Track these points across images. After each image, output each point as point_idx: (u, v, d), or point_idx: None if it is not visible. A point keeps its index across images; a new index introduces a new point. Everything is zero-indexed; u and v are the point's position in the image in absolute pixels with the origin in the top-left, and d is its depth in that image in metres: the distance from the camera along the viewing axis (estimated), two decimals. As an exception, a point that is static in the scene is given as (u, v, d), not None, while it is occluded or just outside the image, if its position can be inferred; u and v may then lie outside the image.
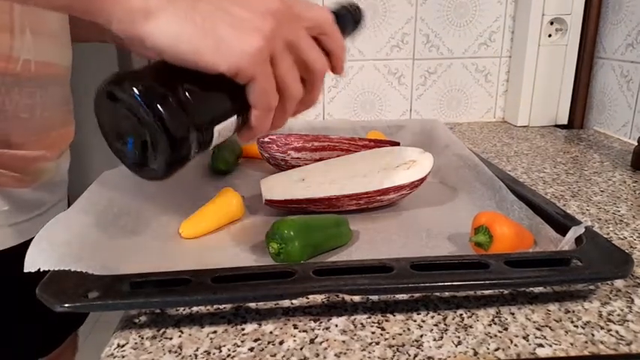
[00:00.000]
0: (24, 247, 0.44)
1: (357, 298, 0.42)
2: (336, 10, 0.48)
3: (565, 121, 1.09)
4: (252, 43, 0.35)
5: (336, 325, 0.39)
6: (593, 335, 0.38)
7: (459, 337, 0.37)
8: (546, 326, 0.39)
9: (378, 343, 0.37)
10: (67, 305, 0.36)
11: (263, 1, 0.36)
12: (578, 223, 0.47)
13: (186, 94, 0.35)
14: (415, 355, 0.36)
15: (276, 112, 0.40)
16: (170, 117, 0.34)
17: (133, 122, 0.35)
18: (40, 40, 0.53)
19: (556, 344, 0.37)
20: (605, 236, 0.51)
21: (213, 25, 0.35)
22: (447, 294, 0.43)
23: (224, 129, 0.38)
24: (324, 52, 0.42)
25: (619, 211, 0.62)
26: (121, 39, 0.67)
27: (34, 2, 0.38)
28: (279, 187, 0.59)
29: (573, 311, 0.40)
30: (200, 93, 0.36)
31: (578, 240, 0.46)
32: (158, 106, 0.33)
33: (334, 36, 0.42)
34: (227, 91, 0.38)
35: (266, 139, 0.72)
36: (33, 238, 0.57)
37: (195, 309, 0.41)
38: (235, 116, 0.39)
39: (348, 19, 0.50)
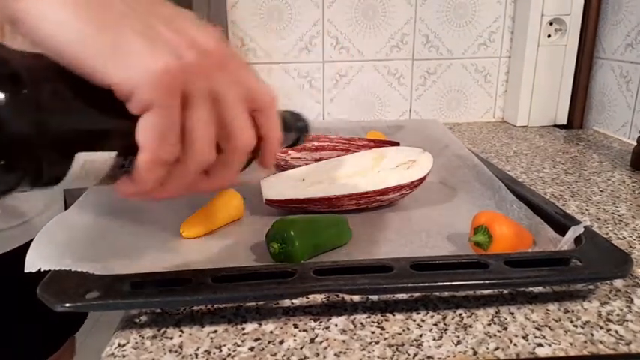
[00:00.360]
0: (23, 249, 0.44)
1: (356, 298, 0.42)
2: (282, 113, 0.41)
3: (564, 122, 1.09)
4: (164, 64, 0.26)
5: (336, 325, 0.39)
6: (592, 335, 0.38)
7: (458, 337, 0.37)
8: (546, 326, 0.39)
9: (377, 343, 0.37)
10: (67, 305, 0.36)
11: (200, 34, 0.29)
12: (577, 222, 0.47)
13: (52, 94, 0.25)
14: (415, 355, 0.36)
15: (173, 172, 0.30)
16: (10, 105, 0.23)
17: None
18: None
19: (555, 344, 0.37)
20: (605, 236, 0.51)
21: (120, 26, 0.27)
22: (446, 293, 0.43)
23: (93, 162, 0.27)
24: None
25: (618, 211, 0.62)
26: None
27: None
28: (279, 187, 0.59)
29: (572, 311, 0.41)
30: (72, 100, 0.26)
31: (578, 240, 0.46)
32: (8, 98, 0.23)
33: (271, 119, 0.34)
34: (111, 114, 0.27)
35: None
36: (24, 244, 0.56)
37: (195, 308, 0.41)
38: (115, 154, 0.28)
39: (289, 126, 0.43)
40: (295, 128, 0.45)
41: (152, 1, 0.30)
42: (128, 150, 0.28)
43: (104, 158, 0.27)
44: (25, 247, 0.53)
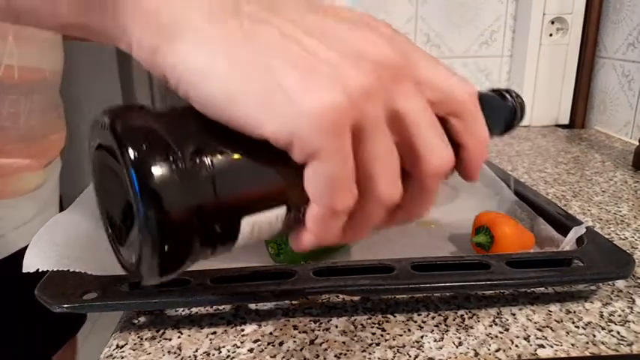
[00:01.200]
0: (21, 252, 0.43)
1: (357, 299, 0.42)
2: (487, 94, 0.34)
3: (566, 121, 1.09)
4: (326, 100, 0.20)
5: (336, 326, 0.39)
6: (594, 336, 0.37)
7: (459, 338, 0.37)
8: (547, 327, 0.38)
9: (378, 344, 0.37)
10: (65, 306, 0.36)
11: (366, 40, 0.23)
12: (579, 223, 0.47)
13: (205, 159, 0.22)
14: (416, 356, 0.35)
15: (352, 218, 0.24)
16: (163, 189, 0.20)
17: (118, 189, 0.22)
18: (24, 45, 0.51)
19: (557, 345, 0.36)
20: (607, 236, 0.51)
21: (269, 62, 0.21)
22: (447, 294, 0.43)
23: (261, 224, 0.24)
24: (452, 142, 0.26)
25: (620, 211, 0.61)
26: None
27: (35, 22, 0.25)
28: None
29: (574, 312, 0.40)
30: (227, 161, 0.22)
31: (580, 240, 0.46)
32: (150, 168, 0.20)
33: (474, 122, 0.26)
34: (273, 167, 0.23)
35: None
36: (17, 251, 0.55)
37: (194, 310, 0.41)
38: (284, 208, 0.24)
39: (501, 110, 0.35)
40: (509, 109, 0.35)
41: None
42: (298, 201, 0.24)
43: (274, 216, 0.24)
44: (23, 250, 0.53)
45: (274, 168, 0.23)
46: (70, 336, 0.76)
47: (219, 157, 0.22)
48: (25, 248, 0.52)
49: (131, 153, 0.20)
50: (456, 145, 0.26)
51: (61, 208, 0.70)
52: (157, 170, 0.20)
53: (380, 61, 0.22)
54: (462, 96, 0.25)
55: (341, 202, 0.22)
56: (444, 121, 0.25)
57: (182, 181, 0.21)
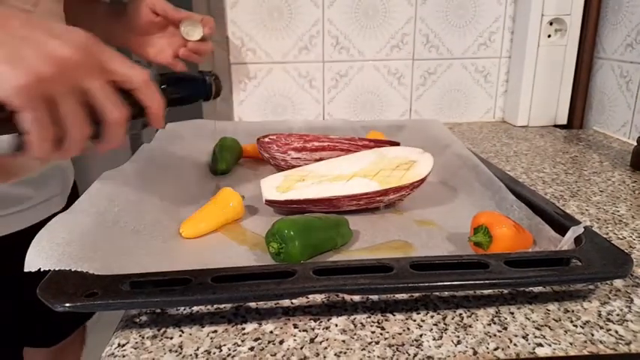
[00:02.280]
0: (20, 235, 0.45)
1: (356, 298, 0.42)
2: (184, 74, 0.55)
3: (564, 121, 1.09)
4: (20, 80, 0.36)
5: (336, 325, 0.39)
6: (592, 335, 0.38)
7: (458, 337, 0.37)
8: (546, 326, 0.39)
9: (377, 343, 0.37)
10: (67, 305, 0.36)
11: (54, 45, 0.38)
12: (577, 223, 0.47)
13: None
14: (415, 355, 0.36)
15: (59, 143, 0.40)
16: None
17: None
18: None
19: (555, 344, 0.37)
20: (605, 236, 0.51)
21: None
22: (446, 294, 0.43)
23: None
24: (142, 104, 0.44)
25: (618, 211, 0.62)
26: (127, 42, 0.67)
27: None
28: (280, 187, 0.59)
29: (572, 311, 0.41)
30: None
31: (578, 240, 0.46)
32: None
33: (146, 92, 0.43)
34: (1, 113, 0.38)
35: (266, 139, 0.73)
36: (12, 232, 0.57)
37: (195, 309, 0.41)
38: (8, 136, 0.39)
39: (193, 85, 0.54)
40: (203, 83, 0.54)
41: (27, 21, 0.39)
42: (19, 132, 0.39)
43: (4, 139, 0.39)
44: (22, 233, 0.53)
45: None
46: (77, 327, 0.76)
47: None
48: (25, 231, 0.54)
49: None
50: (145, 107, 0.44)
51: (68, 202, 0.71)
52: None
53: (62, 59, 0.38)
54: (137, 77, 0.42)
55: (44, 135, 0.38)
56: (130, 92, 0.43)
57: None
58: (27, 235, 0.43)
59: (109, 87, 0.41)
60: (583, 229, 0.46)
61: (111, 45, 0.74)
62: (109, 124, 0.42)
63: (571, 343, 0.37)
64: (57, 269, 0.39)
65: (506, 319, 0.40)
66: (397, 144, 0.75)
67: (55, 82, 0.38)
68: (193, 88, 0.54)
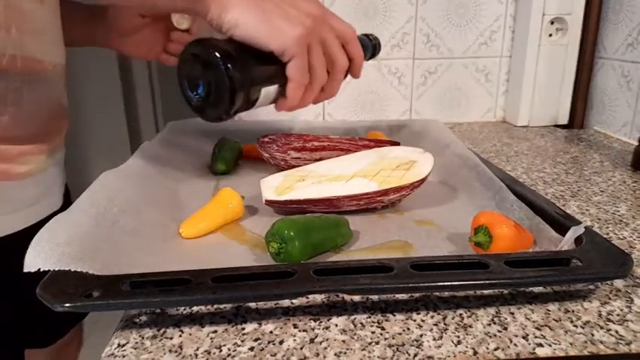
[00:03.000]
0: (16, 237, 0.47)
1: (357, 298, 0.42)
2: (360, 36, 0.64)
3: (565, 121, 1.09)
4: (297, 31, 0.51)
5: (336, 325, 0.39)
6: (592, 335, 0.38)
7: (458, 337, 0.37)
8: (546, 326, 0.39)
9: (377, 343, 0.37)
10: (67, 305, 0.36)
11: (308, 6, 0.53)
12: (577, 223, 0.47)
13: (248, 61, 0.52)
14: (415, 355, 0.36)
15: (307, 91, 0.55)
16: (235, 72, 0.50)
17: (208, 74, 0.51)
18: (27, 37, 0.54)
19: (555, 344, 0.37)
20: (605, 236, 0.51)
21: (271, 16, 0.51)
22: (446, 294, 0.43)
23: (268, 92, 0.54)
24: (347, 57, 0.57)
25: (619, 211, 0.62)
26: (109, 44, 0.69)
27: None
28: (279, 187, 0.59)
29: (573, 311, 0.41)
30: (256, 62, 0.52)
31: (578, 240, 0.46)
32: (229, 65, 0.50)
33: (355, 46, 0.58)
34: (274, 64, 0.53)
35: (266, 139, 0.73)
36: (14, 232, 0.57)
37: (195, 309, 0.41)
38: (277, 85, 0.54)
39: (367, 45, 0.67)
40: (371, 45, 0.69)
41: None
42: (283, 82, 0.54)
43: (273, 88, 0.55)
44: (18, 235, 0.53)
45: (275, 65, 0.53)
46: (72, 326, 0.76)
47: (253, 59, 0.52)
48: (24, 231, 0.54)
49: (222, 63, 0.50)
50: (350, 59, 0.58)
51: (67, 199, 0.70)
52: (233, 66, 0.50)
53: (315, 15, 0.53)
54: (349, 33, 0.57)
55: (303, 79, 0.54)
56: (342, 47, 0.57)
57: (241, 69, 0.51)
58: (26, 235, 0.43)
59: (337, 40, 0.55)
60: (583, 229, 0.46)
61: (94, 46, 0.75)
62: (337, 70, 0.56)
63: (571, 344, 0.37)
64: (56, 269, 0.39)
65: (506, 319, 0.40)
66: (397, 144, 0.75)
67: (313, 33, 0.52)
68: (366, 47, 0.66)
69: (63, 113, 0.65)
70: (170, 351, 0.36)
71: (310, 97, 0.56)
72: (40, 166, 0.61)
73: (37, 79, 0.57)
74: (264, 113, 1.10)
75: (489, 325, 0.39)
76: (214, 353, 0.36)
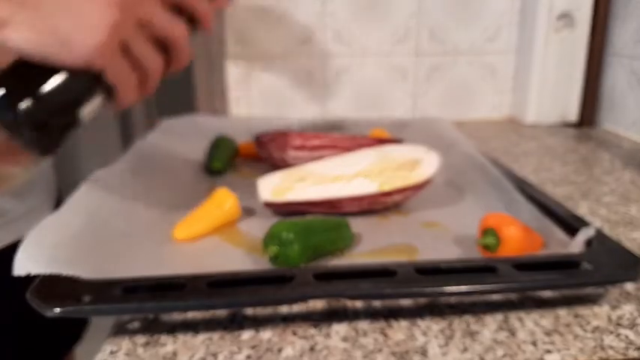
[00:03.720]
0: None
1: (359, 304, 0.41)
2: None
3: (574, 119, 1.07)
4: (95, 38, 0.37)
5: (337, 332, 0.38)
6: (602, 340, 0.37)
7: (464, 344, 0.36)
8: (555, 331, 0.38)
9: (380, 351, 0.36)
10: (58, 310, 0.35)
11: None
12: (587, 224, 0.46)
13: (44, 88, 0.39)
14: (419, 364, 0.34)
15: (142, 84, 0.43)
16: (29, 114, 0.38)
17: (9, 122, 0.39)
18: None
19: (565, 350, 0.35)
20: (615, 238, 0.50)
21: (56, 23, 0.36)
22: (452, 299, 0.42)
23: (90, 109, 0.43)
24: (189, 13, 0.46)
25: (629, 212, 0.60)
26: None
27: None
28: (278, 187, 0.58)
29: (582, 315, 0.39)
30: (57, 85, 0.39)
31: (588, 242, 0.45)
32: (18, 107, 0.38)
33: (192, 1, 0.46)
34: (85, 78, 0.40)
35: (264, 137, 0.71)
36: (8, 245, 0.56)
37: (190, 315, 0.40)
38: (100, 97, 0.43)
39: None
40: None
41: None
42: (106, 89, 0.42)
43: (95, 102, 0.43)
44: (10, 249, 0.52)
45: (86, 77, 0.41)
46: (66, 352, 0.75)
47: (53, 82, 0.39)
48: (13, 244, 0.52)
49: (7, 107, 0.38)
50: (191, 16, 0.46)
51: (58, 199, 0.69)
52: (23, 107, 0.38)
53: (118, 1, 0.38)
54: None
55: (129, 83, 0.42)
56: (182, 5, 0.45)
57: (36, 105, 0.39)
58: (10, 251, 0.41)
59: (162, 9, 0.43)
60: (594, 232, 0.45)
61: None
62: (175, 43, 0.44)
63: (581, 349, 0.35)
64: (47, 273, 0.38)
65: (514, 325, 0.38)
66: (400, 142, 0.73)
67: (123, 27, 0.39)
68: None
69: None
70: (164, 358, 0.35)
71: (151, 87, 0.45)
72: (19, 178, 0.60)
73: None
74: (261, 109, 1.10)
75: (497, 331, 0.38)
76: (209, 361, 0.35)
